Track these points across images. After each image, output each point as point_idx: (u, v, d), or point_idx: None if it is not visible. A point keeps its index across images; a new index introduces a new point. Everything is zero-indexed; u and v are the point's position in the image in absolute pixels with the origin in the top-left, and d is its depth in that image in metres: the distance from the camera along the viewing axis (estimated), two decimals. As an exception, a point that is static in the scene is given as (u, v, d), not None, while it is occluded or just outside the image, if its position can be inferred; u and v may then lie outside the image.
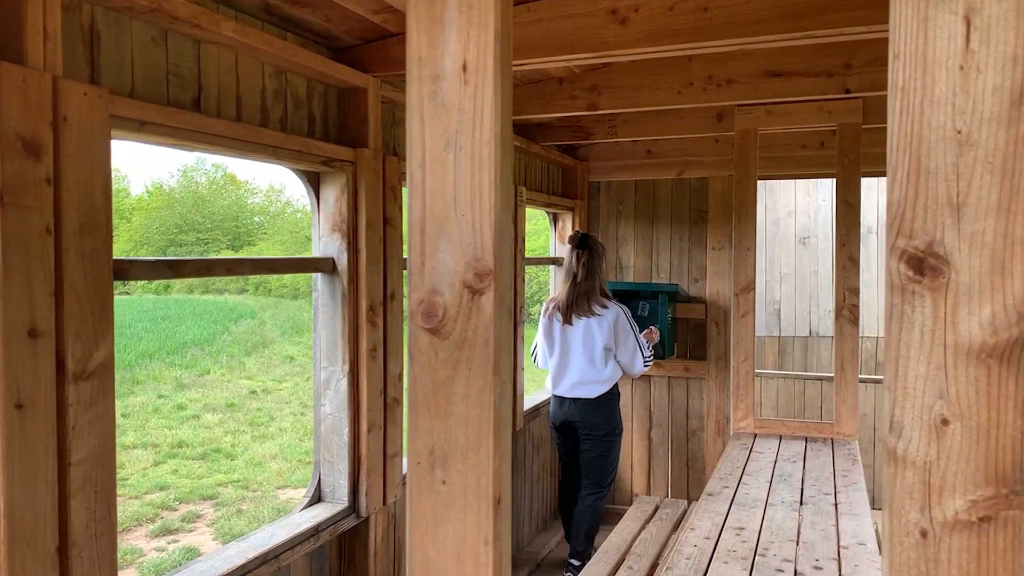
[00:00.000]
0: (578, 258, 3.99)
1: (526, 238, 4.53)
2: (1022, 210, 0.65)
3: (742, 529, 2.57)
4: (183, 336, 17.61)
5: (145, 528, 6.45)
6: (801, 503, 2.85)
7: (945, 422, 0.69)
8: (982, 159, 0.67)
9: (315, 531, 2.48)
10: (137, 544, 6.08)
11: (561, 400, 4.02)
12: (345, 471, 2.64)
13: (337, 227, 2.60)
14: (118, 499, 1.70)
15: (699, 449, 4.91)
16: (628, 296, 4.82)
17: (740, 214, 3.96)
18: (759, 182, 7.03)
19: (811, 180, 6.55)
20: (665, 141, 4.84)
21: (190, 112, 1.96)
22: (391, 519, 3.04)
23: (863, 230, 6.57)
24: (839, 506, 2.81)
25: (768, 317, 6.66)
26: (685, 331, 4.92)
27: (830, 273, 6.62)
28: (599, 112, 3.40)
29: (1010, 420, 0.66)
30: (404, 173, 2.89)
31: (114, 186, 3.51)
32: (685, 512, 4.55)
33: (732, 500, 2.88)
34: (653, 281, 4.97)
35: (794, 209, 6.54)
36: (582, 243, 4.02)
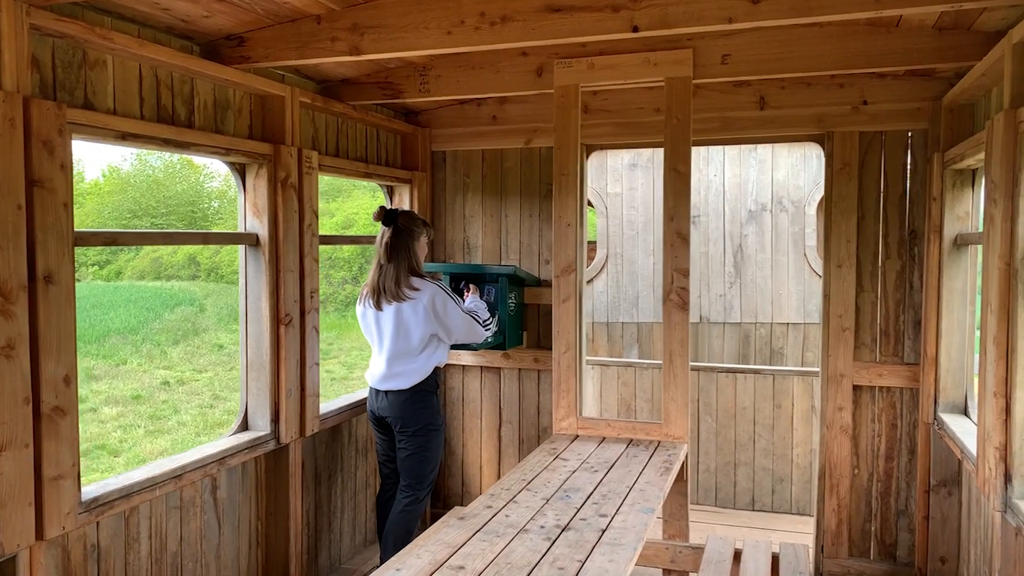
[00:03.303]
0: (382, 237, 3.49)
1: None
2: None
3: (461, 569, 2.05)
4: (108, 325, 16.97)
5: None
6: (565, 529, 2.34)
7: None
8: None
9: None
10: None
11: (376, 392, 3.59)
12: (-31, 501, 2.07)
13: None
14: None
15: (550, 450, 4.40)
16: (468, 281, 4.28)
17: (560, 184, 3.42)
18: (636, 154, 6.45)
19: (701, 153, 6.03)
20: (511, 106, 4.29)
21: None
22: (64, 553, 2.45)
23: (756, 207, 6.08)
24: (607, 532, 2.30)
25: (656, 303, 6.15)
26: (536, 318, 4.40)
27: (721, 255, 6.12)
28: (362, 57, 2.83)
29: None
30: (68, 123, 2.31)
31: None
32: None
33: (483, 526, 2.36)
34: (502, 263, 4.43)
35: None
36: (387, 220, 3.50)
